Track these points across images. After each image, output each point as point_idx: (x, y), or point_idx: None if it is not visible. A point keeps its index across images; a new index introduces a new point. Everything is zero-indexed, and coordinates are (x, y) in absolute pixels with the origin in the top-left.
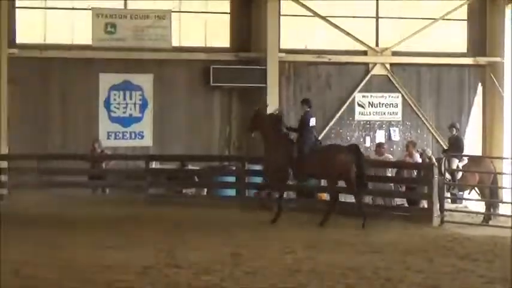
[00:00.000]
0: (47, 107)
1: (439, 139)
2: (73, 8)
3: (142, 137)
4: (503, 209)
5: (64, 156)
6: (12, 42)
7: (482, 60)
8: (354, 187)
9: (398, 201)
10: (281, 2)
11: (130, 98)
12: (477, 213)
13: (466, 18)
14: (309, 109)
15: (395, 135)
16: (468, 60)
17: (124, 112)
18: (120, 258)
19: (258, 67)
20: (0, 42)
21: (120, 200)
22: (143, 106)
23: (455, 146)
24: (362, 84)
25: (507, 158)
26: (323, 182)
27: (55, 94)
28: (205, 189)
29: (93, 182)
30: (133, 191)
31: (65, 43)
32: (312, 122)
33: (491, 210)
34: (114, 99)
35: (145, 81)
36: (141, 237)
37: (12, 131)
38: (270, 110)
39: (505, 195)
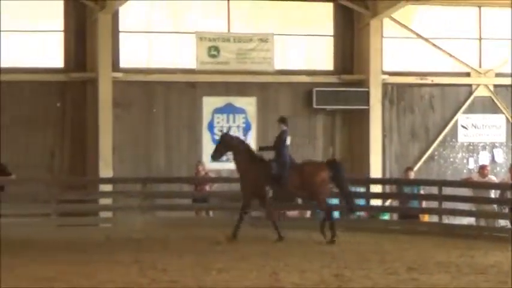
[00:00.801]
0: (151, 130)
1: None
2: (176, 32)
3: None
4: None
5: (168, 180)
6: (116, 66)
7: None
8: (321, 204)
9: (502, 222)
10: (384, 23)
11: (234, 121)
12: None
13: None
14: (285, 128)
15: (499, 156)
16: None
17: None
18: (224, 279)
19: (361, 89)
20: (104, 67)
21: (223, 222)
22: (246, 129)
23: None
24: (465, 105)
25: None
26: (425, 204)
27: (159, 117)
28: (309, 212)
29: (197, 205)
30: (237, 213)
31: (168, 67)
32: (288, 140)
33: None
34: (218, 122)
35: (248, 103)
36: (244, 259)
37: (116, 154)
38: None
39: None
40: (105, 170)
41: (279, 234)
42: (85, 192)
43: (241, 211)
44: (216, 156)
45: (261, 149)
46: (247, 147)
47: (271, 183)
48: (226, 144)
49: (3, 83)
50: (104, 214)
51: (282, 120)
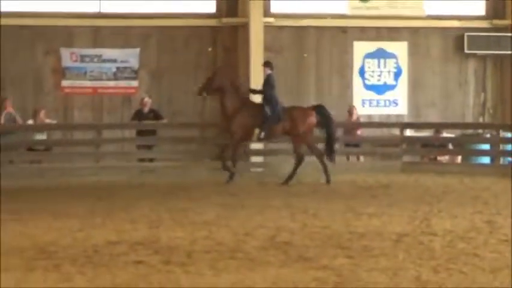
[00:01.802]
0: (301, 75)
1: None
2: None
3: (397, 104)
4: None
5: None
6: (267, 12)
7: None
8: (298, 148)
9: None
10: None
11: (385, 66)
12: None
13: None
14: (271, 71)
15: None
16: None
17: (378, 80)
18: (374, 225)
19: None
20: (256, 12)
21: (374, 167)
22: (397, 74)
23: None
24: None
25: None
26: None
27: (310, 62)
28: (460, 157)
29: (348, 150)
30: (388, 158)
31: (319, 12)
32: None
33: None
34: (369, 67)
35: (399, 48)
36: (395, 205)
37: None
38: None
39: None
40: None
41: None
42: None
43: (233, 159)
44: (202, 92)
45: (250, 91)
46: (237, 88)
47: (263, 126)
48: (215, 82)
49: (156, 28)
50: (255, 159)
51: (267, 64)
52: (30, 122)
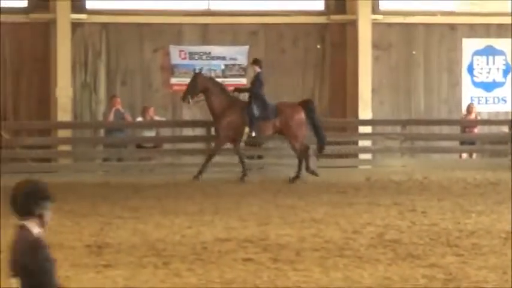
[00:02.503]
0: (410, 73)
1: None
2: None
3: (505, 101)
4: None
5: (429, 122)
6: (376, 9)
7: None
8: (295, 145)
9: None
10: None
11: (493, 63)
12: None
13: None
14: (260, 70)
15: None
16: None
17: (487, 77)
18: (483, 223)
19: None
20: (364, 9)
21: (483, 165)
22: (506, 71)
23: None
24: None
25: None
26: None
27: (418, 60)
28: None
29: (460, 147)
30: (497, 155)
31: (428, 9)
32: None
33: None
34: (477, 64)
35: (507, 45)
36: (504, 203)
37: (375, 96)
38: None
39: None
40: (365, 112)
41: (243, 172)
42: (344, 134)
43: (211, 154)
44: (186, 97)
45: (236, 90)
46: (222, 88)
47: (252, 124)
48: (198, 85)
49: (264, 25)
50: (363, 156)
51: (256, 62)
52: (139, 119)
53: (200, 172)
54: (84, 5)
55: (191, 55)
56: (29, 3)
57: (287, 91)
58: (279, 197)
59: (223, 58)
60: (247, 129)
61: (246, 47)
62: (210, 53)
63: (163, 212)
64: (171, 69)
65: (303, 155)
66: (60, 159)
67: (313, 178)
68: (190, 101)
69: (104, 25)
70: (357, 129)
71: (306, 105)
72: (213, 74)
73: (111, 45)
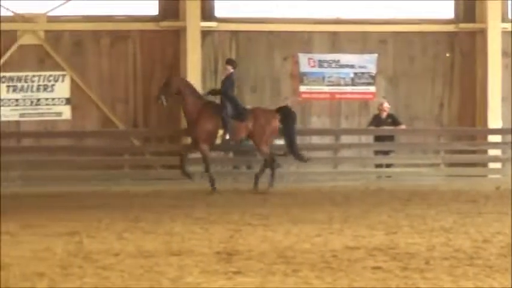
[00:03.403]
0: None
1: None
2: None
3: None
4: None
5: None
6: (505, 17)
7: None
8: (264, 151)
9: None
10: None
11: None
12: None
13: None
14: (233, 70)
15: None
16: None
17: None
18: None
19: None
20: (492, 17)
21: None
22: None
23: None
24: None
25: None
26: None
27: None
28: None
29: None
30: None
31: None
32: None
33: None
34: None
35: None
36: None
37: (505, 105)
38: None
39: None
40: (494, 121)
41: (212, 185)
42: (474, 142)
43: (205, 160)
44: (159, 98)
45: (210, 92)
46: (194, 90)
47: (226, 126)
48: (171, 88)
49: (393, 33)
50: (492, 165)
51: (229, 62)
52: None
53: (212, 183)
54: (214, 13)
55: (320, 63)
56: (159, 11)
57: (415, 99)
58: (408, 206)
59: (352, 66)
60: (221, 132)
61: (375, 55)
62: (339, 61)
63: (292, 220)
64: (300, 77)
65: (273, 159)
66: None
67: (443, 187)
68: (164, 102)
69: (234, 33)
70: (486, 138)
71: (284, 113)
72: (342, 82)
73: (240, 53)
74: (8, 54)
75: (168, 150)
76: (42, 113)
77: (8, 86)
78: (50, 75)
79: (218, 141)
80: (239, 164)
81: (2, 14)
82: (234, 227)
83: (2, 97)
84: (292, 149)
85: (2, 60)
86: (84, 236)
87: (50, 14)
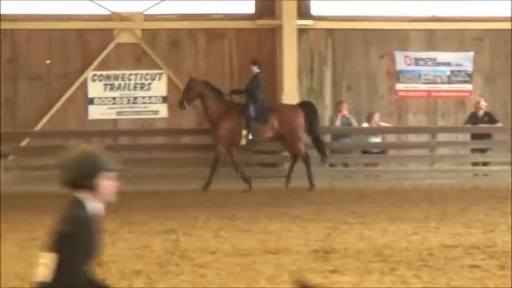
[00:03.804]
0: None
1: None
2: None
3: None
4: None
5: None
6: None
7: None
8: (298, 148)
9: None
10: None
11: None
12: None
13: None
14: (258, 70)
15: None
16: None
17: None
18: None
19: None
20: None
21: None
22: None
23: None
24: None
25: None
26: None
27: None
28: None
29: None
30: None
31: None
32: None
33: None
34: None
35: None
36: None
37: None
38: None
39: None
40: None
41: (248, 184)
42: None
43: (215, 161)
44: (182, 103)
45: (232, 92)
46: (217, 92)
47: (249, 126)
48: (193, 90)
49: (490, 31)
50: None
51: (254, 62)
52: (365, 125)
53: (208, 183)
54: (310, 11)
55: (416, 61)
56: (256, 10)
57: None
58: (504, 204)
59: (449, 64)
60: (244, 132)
61: (471, 53)
62: (435, 59)
63: (389, 218)
64: (396, 75)
65: (307, 158)
66: (286, 164)
67: None
68: (187, 106)
69: (330, 31)
70: None
71: (307, 108)
72: (438, 80)
73: (336, 51)
74: (105, 52)
75: (264, 148)
76: (139, 111)
77: (106, 85)
78: (147, 74)
79: (243, 142)
80: (336, 162)
81: (99, 13)
82: (330, 225)
83: (99, 95)
84: (318, 144)
85: (99, 59)
86: (181, 234)
87: (147, 12)
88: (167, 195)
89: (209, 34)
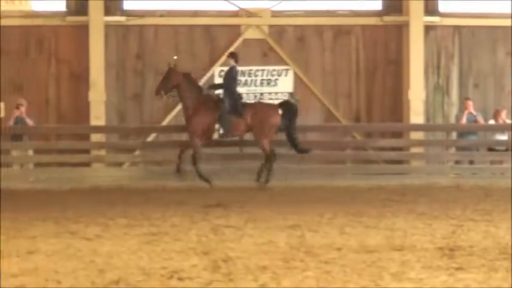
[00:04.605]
0: None
1: None
2: None
3: None
4: None
5: None
6: None
7: None
8: (265, 146)
9: None
10: None
11: None
12: None
13: None
14: (235, 64)
15: None
16: None
17: None
18: None
19: None
20: None
21: None
22: None
23: None
24: None
25: None
26: None
27: None
28: None
29: None
30: None
31: None
32: (238, 77)
33: None
34: None
35: None
36: None
37: None
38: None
39: None
40: None
41: (206, 181)
42: None
43: (194, 154)
44: (159, 92)
45: (210, 87)
46: (195, 85)
47: (223, 120)
48: (170, 81)
49: None
50: None
51: (232, 56)
52: (492, 122)
53: (203, 178)
54: (437, 8)
55: None
56: (383, 6)
57: None
58: None
59: None
60: (217, 126)
61: None
62: None
63: None
64: None
65: (273, 157)
66: (412, 161)
67: None
68: (163, 95)
69: (457, 28)
70: None
71: (286, 107)
72: None
73: (463, 47)
74: (233, 48)
75: (390, 145)
76: None
77: None
78: (274, 70)
79: (215, 136)
80: (461, 160)
81: (227, 9)
82: (456, 222)
83: None
84: (292, 143)
85: (226, 55)
86: (306, 230)
87: (274, 8)
88: (292, 191)
89: (335, 30)
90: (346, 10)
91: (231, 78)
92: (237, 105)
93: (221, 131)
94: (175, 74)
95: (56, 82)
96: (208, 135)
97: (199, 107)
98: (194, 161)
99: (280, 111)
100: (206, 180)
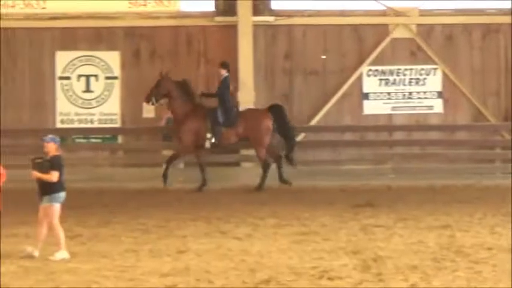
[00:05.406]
0: None
1: None
2: None
3: None
4: None
5: None
6: None
7: None
8: (260, 153)
9: None
10: None
11: None
12: None
13: None
14: (227, 73)
15: None
16: None
17: None
18: None
19: None
20: None
21: None
22: None
23: None
24: None
25: None
26: None
27: None
28: None
29: None
30: None
31: None
32: (231, 86)
33: None
34: None
35: None
36: None
37: None
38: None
39: None
40: None
41: (203, 182)
42: None
43: (174, 155)
44: (150, 99)
45: (203, 95)
46: (187, 93)
47: (214, 130)
48: (161, 88)
49: None
50: None
51: (223, 65)
52: None
53: (202, 184)
54: None
55: None
56: None
57: None
58: None
59: None
60: (209, 135)
61: None
62: None
63: None
64: None
65: (267, 165)
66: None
67: None
68: (154, 102)
69: None
70: None
71: (275, 111)
72: None
73: None
74: (380, 48)
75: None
76: (413, 107)
77: (381, 80)
78: (422, 69)
79: (207, 145)
80: None
81: (375, 8)
82: None
83: (374, 90)
84: (288, 146)
85: (374, 54)
86: (456, 229)
87: (422, 7)
88: (442, 191)
89: (484, 29)
90: (494, 9)
91: (224, 87)
92: (230, 115)
93: (213, 140)
94: (166, 82)
95: (205, 83)
96: (198, 144)
97: (189, 116)
98: (170, 160)
99: (270, 115)
100: (165, 181)
